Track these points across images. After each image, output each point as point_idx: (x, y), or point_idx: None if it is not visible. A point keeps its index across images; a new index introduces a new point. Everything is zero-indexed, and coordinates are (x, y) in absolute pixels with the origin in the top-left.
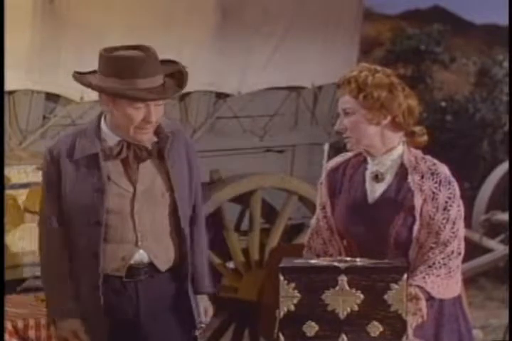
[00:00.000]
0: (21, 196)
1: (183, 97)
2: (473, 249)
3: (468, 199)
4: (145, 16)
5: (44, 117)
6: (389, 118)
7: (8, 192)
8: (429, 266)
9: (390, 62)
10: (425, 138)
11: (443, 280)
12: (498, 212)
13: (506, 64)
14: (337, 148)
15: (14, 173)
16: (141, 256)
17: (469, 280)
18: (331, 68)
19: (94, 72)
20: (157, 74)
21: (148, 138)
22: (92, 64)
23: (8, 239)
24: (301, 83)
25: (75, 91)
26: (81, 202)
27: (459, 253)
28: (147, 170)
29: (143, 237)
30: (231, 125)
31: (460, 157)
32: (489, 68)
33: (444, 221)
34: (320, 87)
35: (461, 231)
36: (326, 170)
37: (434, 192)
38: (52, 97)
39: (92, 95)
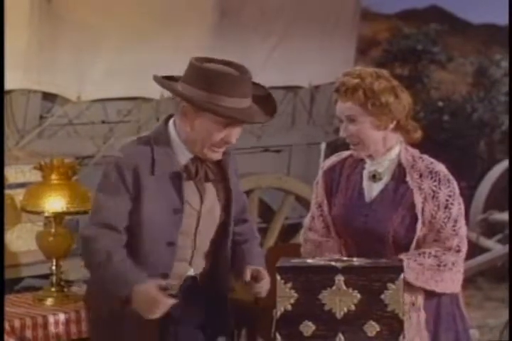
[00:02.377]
0: (18, 195)
1: None
2: (470, 249)
3: (466, 199)
4: (143, 16)
5: (41, 117)
6: (395, 122)
7: (5, 191)
8: (419, 254)
9: (387, 62)
10: (419, 133)
11: (426, 270)
12: (496, 212)
13: (504, 64)
14: (334, 148)
15: (11, 173)
16: (190, 273)
17: (467, 280)
18: (328, 68)
19: (172, 78)
20: (247, 97)
21: (217, 157)
22: (90, 64)
23: (5, 239)
24: (299, 83)
25: (72, 90)
26: (156, 220)
27: (457, 251)
28: (210, 188)
29: (196, 255)
30: None
31: (457, 157)
32: (486, 68)
33: (446, 219)
34: (317, 87)
35: (463, 229)
36: (323, 169)
37: (434, 191)
38: (49, 97)
39: (89, 95)
